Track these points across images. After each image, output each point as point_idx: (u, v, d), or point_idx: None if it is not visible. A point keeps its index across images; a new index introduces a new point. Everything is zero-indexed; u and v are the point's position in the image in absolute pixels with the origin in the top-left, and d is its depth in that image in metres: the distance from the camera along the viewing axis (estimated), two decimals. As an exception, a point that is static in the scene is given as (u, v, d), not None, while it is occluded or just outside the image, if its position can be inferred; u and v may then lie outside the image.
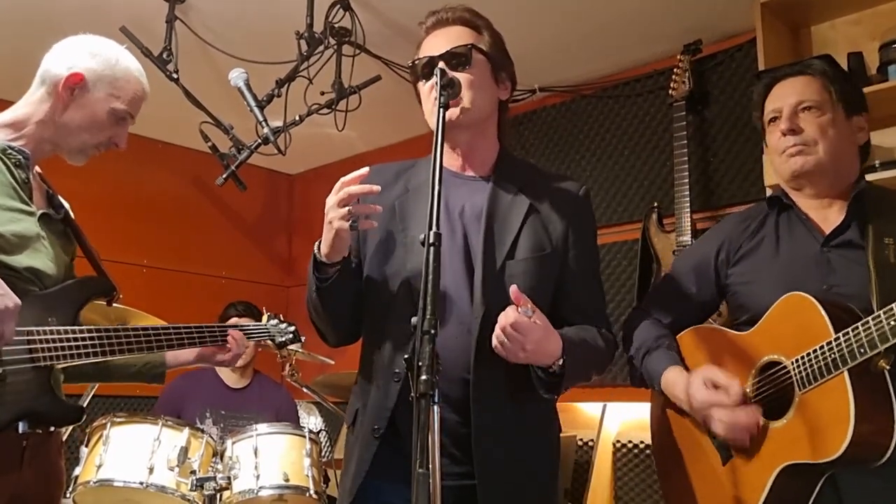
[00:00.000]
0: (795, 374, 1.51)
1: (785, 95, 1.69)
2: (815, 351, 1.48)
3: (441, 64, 1.56)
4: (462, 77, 1.57)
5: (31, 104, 1.71)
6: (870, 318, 1.41)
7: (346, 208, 1.44)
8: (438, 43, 1.61)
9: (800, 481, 1.49)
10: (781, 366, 1.55)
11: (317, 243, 1.53)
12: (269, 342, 2.39)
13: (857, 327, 1.42)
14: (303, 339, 3.29)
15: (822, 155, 1.63)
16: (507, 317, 1.40)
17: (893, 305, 1.38)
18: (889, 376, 1.41)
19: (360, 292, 1.66)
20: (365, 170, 1.46)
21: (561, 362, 1.47)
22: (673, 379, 1.72)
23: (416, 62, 1.62)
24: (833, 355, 1.44)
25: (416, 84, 1.66)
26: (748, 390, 1.61)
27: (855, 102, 1.69)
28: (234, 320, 2.16)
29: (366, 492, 1.53)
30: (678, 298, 1.85)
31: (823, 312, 1.48)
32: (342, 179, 1.46)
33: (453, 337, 1.51)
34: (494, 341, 1.42)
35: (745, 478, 1.57)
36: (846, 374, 1.42)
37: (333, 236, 1.48)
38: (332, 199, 1.46)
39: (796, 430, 1.50)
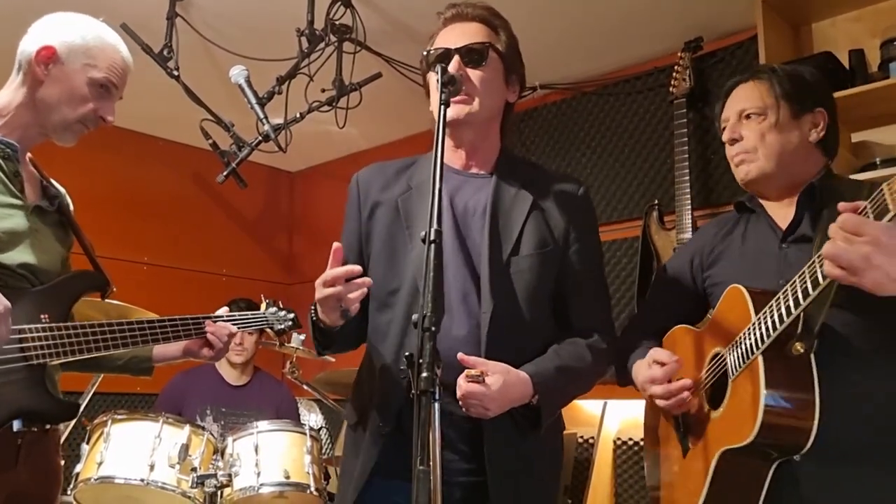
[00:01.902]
0: (729, 362, 1.56)
1: (731, 105, 1.72)
2: (739, 337, 1.52)
3: (455, 60, 1.56)
4: (475, 74, 1.57)
5: (10, 91, 1.69)
6: (773, 300, 1.44)
7: (333, 289, 1.42)
8: (455, 36, 1.60)
9: (745, 468, 1.50)
10: (721, 355, 1.60)
11: (314, 306, 1.55)
12: (268, 330, 2.37)
13: (765, 311, 1.45)
14: (302, 337, 3.31)
15: (763, 161, 1.64)
16: (460, 388, 1.42)
17: (787, 287, 1.40)
18: (815, 361, 1.41)
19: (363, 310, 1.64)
20: (357, 268, 1.45)
21: (536, 399, 1.50)
22: (636, 369, 1.76)
23: (430, 52, 1.60)
24: (749, 340, 1.48)
25: (426, 74, 1.64)
26: (703, 381, 1.66)
27: (806, 100, 1.66)
28: (223, 309, 2.10)
29: (372, 489, 1.53)
30: (663, 308, 1.89)
31: (748, 298, 1.52)
32: (333, 274, 1.44)
33: (463, 333, 1.52)
34: (462, 407, 1.44)
35: (697, 466, 1.60)
36: (760, 358, 1.44)
37: (326, 314, 1.51)
38: (319, 280, 1.46)
39: (729, 417, 1.53)
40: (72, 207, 1.84)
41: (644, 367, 1.69)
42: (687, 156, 2.96)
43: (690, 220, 2.93)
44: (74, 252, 1.83)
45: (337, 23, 3.07)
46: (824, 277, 1.30)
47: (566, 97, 3.73)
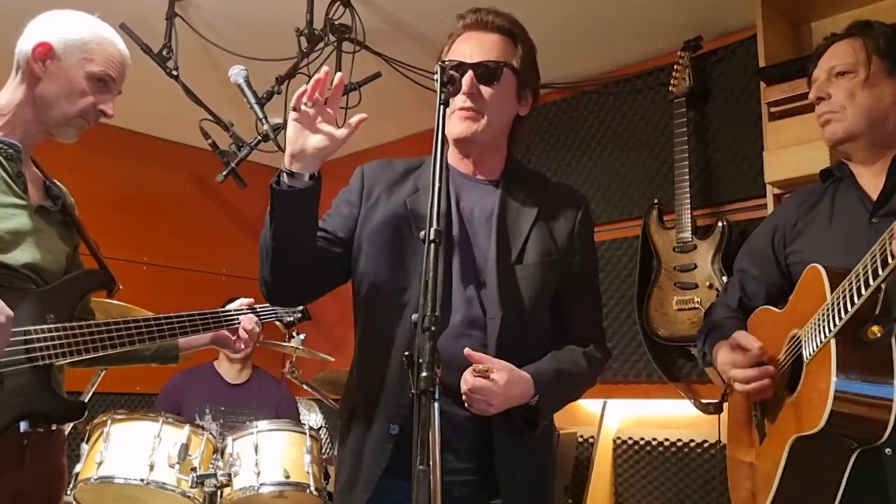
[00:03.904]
0: (803, 345, 1.49)
1: (823, 63, 1.65)
2: (814, 319, 1.45)
3: (469, 75, 1.55)
4: (486, 91, 1.56)
5: (10, 91, 1.69)
6: (845, 279, 1.36)
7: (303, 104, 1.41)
8: (472, 49, 1.58)
9: (821, 456, 1.43)
10: (797, 337, 1.53)
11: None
12: (277, 322, 2.40)
13: (838, 291, 1.38)
14: (303, 336, 3.31)
15: (851, 120, 1.57)
16: (466, 382, 1.42)
17: (859, 266, 1.32)
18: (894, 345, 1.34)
19: (329, 256, 1.60)
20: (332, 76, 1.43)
21: (536, 399, 1.50)
22: (716, 352, 1.72)
23: (446, 63, 1.55)
24: (823, 322, 1.41)
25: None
26: (780, 364, 1.59)
27: None
28: (240, 301, 2.15)
29: (379, 490, 1.52)
30: (745, 285, 1.83)
31: (825, 278, 1.44)
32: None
33: (465, 334, 1.52)
34: (465, 402, 1.44)
35: (772, 452, 1.55)
36: (833, 342, 1.38)
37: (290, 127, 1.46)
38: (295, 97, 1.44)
39: (801, 402, 1.47)
40: (75, 206, 1.84)
41: (725, 350, 1.64)
42: (687, 155, 2.96)
43: (690, 220, 2.93)
44: (81, 253, 1.83)
45: (336, 22, 3.07)
46: (894, 256, 1.23)
47: (566, 96, 3.73)
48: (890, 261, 1.23)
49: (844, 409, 1.34)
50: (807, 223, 1.68)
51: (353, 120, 1.43)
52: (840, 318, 1.35)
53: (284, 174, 1.47)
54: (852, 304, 1.32)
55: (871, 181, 1.60)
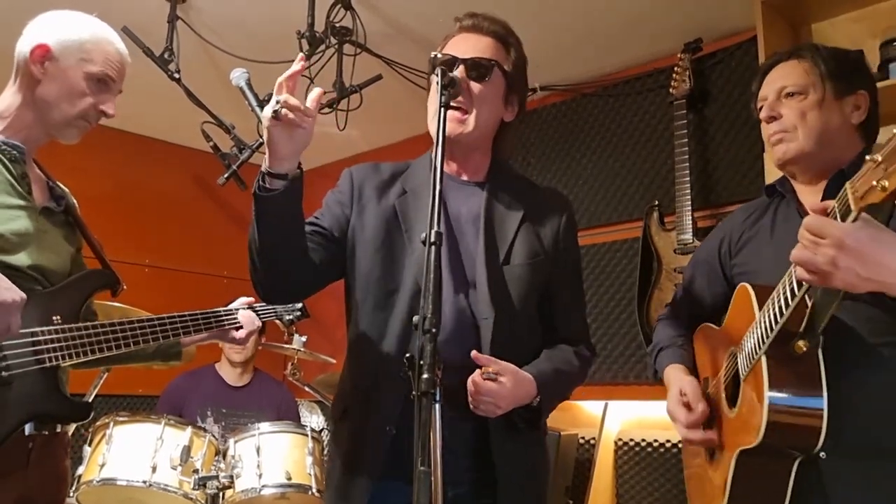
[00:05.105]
0: (739, 362, 1.55)
1: (771, 82, 1.67)
2: (746, 337, 1.51)
3: (460, 70, 1.57)
4: (476, 87, 1.58)
5: (11, 94, 1.70)
6: (769, 298, 1.42)
7: (277, 100, 1.41)
8: (466, 48, 1.61)
9: (765, 467, 1.48)
10: (735, 355, 1.59)
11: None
12: (277, 321, 2.41)
13: (764, 309, 1.44)
14: (304, 338, 3.31)
15: (803, 140, 1.59)
16: (474, 384, 1.44)
17: (780, 285, 1.37)
18: (823, 357, 1.39)
19: (322, 250, 1.63)
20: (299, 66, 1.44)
21: (538, 400, 1.53)
22: (668, 377, 1.78)
23: (438, 56, 1.60)
24: (753, 340, 1.47)
25: (430, 76, 1.65)
26: (723, 381, 1.64)
27: (848, 81, 1.63)
28: (241, 301, 2.16)
29: (376, 491, 1.52)
30: (692, 295, 1.87)
31: (752, 295, 1.51)
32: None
33: (454, 335, 1.53)
34: (471, 404, 1.45)
35: (720, 467, 1.60)
36: (763, 358, 1.43)
37: (266, 131, 1.45)
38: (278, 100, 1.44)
39: (741, 417, 1.52)
40: (77, 207, 1.85)
41: (673, 398, 1.69)
42: (687, 157, 2.97)
43: (691, 221, 2.93)
44: (85, 256, 1.84)
45: (337, 25, 3.07)
46: (800, 283, 1.30)
47: (566, 99, 3.73)
48: (797, 291, 1.31)
49: (779, 420, 1.38)
50: (750, 237, 1.73)
51: (312, 98, 1.43)
52: (767, 337, 1.41)
53: (267, 177, 1.50)
54: (776, 322, 1.38)
55: (812, 199, 1.63)
